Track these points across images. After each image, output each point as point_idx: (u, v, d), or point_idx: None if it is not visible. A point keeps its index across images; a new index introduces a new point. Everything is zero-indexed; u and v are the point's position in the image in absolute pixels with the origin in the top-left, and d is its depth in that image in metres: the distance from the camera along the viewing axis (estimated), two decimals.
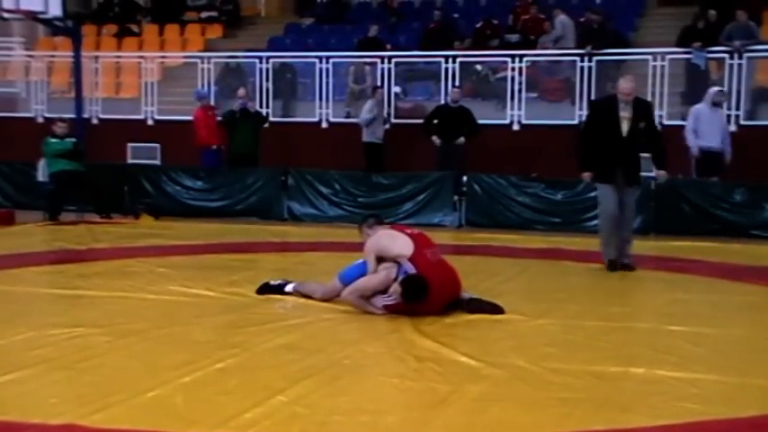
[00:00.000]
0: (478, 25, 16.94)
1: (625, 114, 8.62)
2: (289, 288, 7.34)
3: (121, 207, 13.42)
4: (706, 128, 12.50)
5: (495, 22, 16.95)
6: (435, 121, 14.15)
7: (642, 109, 8.80)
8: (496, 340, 5.97)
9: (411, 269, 6.55)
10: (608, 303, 7.30)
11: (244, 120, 14.20)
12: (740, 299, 7.75)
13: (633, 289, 8.27)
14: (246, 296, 7.36)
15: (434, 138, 13.96)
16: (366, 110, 14.77)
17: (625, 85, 8.68)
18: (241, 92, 14.58)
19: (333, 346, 5.70)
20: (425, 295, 6.44)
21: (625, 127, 8.61)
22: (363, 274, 6.82)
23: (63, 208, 12.93)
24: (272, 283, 7.46)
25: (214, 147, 14.55)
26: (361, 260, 6.99)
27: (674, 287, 8.13)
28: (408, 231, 6.89)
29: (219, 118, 14.74)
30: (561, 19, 16.13)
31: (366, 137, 14.70)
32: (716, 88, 13.09)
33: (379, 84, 15.66)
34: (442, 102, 14.88)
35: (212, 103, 15.60)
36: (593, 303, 7.29)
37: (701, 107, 12.74)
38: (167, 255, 9.61)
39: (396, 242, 6.73)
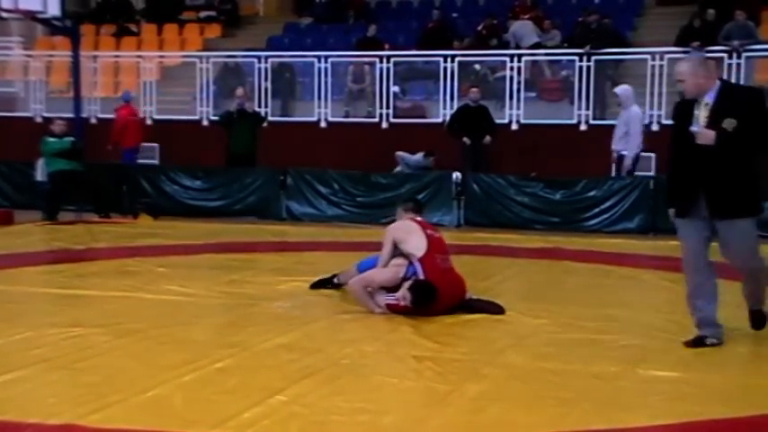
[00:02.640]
0: (480, 27, 16.92)
1: (701, 113, 5.60)
2: (336, 279, 7.60)
3: (120, 207, 13.38)
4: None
5: (495, 21, 16.94)
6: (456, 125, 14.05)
7: (732, 101, 5.57)
8: (495, 340, 5.97)
9: (419, 271, 6.62)
10: (607, 303, 7.29)
11: (242, 120, 14.14)
12: (740, 299, 7.72)
13: (633, 289, 8.26)
14: (245, 296, 7.36)
15: (465, 138, 13.82)
16: (415, 159, 14.49)
17: (678, 69, 5.68)
18: (239, 91, 14.54)
19: (332, 346, 5.69)
20: (433, 301, 6.53)
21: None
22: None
23: (61, 207, 12.91)
24: (324, 277, 7.67)
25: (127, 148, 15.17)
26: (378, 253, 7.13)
27: (673, 287, 8.11)
28: (429, 232, 6.91)
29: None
30: (513, 27, 16.37)
31: None
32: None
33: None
34: (441, 101, 14.85)
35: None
36: (592, 303, 7.28)
37: None
38: (166, 254, 9.60)
39: (411, 237, 6.82)
